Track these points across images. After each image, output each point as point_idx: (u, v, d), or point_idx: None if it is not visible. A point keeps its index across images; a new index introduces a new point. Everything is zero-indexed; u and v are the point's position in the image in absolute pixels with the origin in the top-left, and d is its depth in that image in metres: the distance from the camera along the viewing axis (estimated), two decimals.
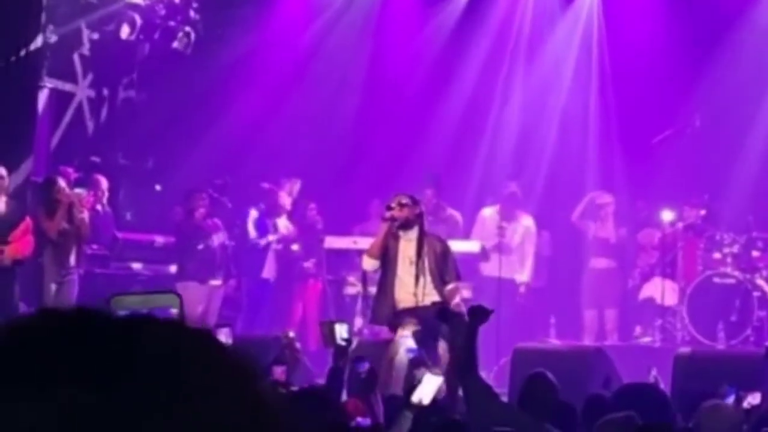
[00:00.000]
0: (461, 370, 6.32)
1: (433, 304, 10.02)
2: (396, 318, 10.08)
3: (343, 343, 7.55)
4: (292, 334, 8.59)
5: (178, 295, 1.99)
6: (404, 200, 10.32)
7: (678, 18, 15.84)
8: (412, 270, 10.21)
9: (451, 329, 6.14)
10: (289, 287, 15.38)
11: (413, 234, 10.28)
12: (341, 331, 7.73)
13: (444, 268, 10.33)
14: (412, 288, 10.18)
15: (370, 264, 10.49)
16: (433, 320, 9.73)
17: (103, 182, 14.12)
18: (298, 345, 8.22)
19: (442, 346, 9.52)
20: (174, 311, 2.30)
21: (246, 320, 14.71)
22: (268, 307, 15.20)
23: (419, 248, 10.25)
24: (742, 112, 15.56)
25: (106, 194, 14.14)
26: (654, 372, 7.32)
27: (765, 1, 16.04)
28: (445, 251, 10.43)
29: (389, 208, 10.28)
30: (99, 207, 13.90)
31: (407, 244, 10.29)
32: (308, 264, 15.10)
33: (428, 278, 10.21)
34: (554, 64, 16.71)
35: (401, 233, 10.29)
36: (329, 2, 17.27)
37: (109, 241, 14.22)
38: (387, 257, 10.32)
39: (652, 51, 15.82)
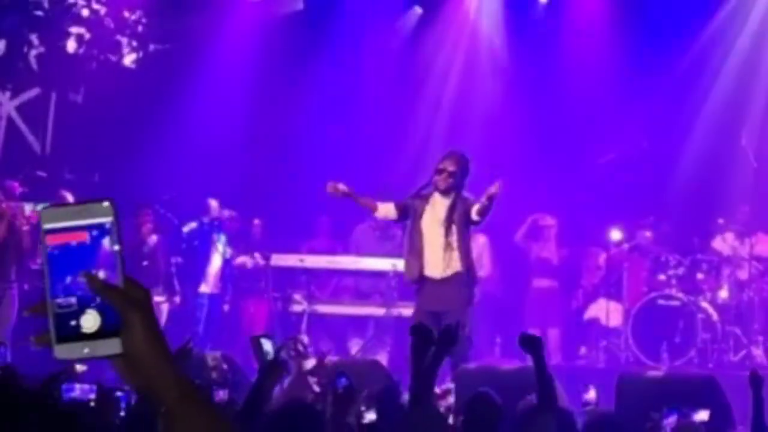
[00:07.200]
0: (416, 396, 6.17)
1: (456, 274, 10.01)
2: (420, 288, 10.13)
3: (269, 358, 7.41)
4: (218, 354, 8.49)
5: (113, 202, 1.80)
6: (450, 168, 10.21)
7: (626, 41, 15.95)
8: (441, 233, 10.15)
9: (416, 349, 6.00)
10: (236, 304, 15.29)
11: (448, 199, 10.23)
12: (267, 345, 7.59)
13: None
14: (440, 253, 10.15)
15: (383, 211, 10.46)
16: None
17: (69, 198, 14.16)
18: (225, 366, 8.11)
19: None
20: (108, 220, 2.00)
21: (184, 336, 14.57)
22: (213, 323, 15.10)
23: (450, 213, 10.17)
24: (687, 136, 15.67)
25: None
26: (590, 391, 7.23)
27: (708, 28, 16.18)
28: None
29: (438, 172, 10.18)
30: None
31: (439, 207, 10.23)
32: (255, 280, 15.04)
33: (456, 246, 10.12)
34: (502, 84, 16.75)
35: (437, 195, 10.23)
36: (277, 21, 17.21)
37: None
38: (414, 216, 10.27)
39: (600, 71, 15.90)
